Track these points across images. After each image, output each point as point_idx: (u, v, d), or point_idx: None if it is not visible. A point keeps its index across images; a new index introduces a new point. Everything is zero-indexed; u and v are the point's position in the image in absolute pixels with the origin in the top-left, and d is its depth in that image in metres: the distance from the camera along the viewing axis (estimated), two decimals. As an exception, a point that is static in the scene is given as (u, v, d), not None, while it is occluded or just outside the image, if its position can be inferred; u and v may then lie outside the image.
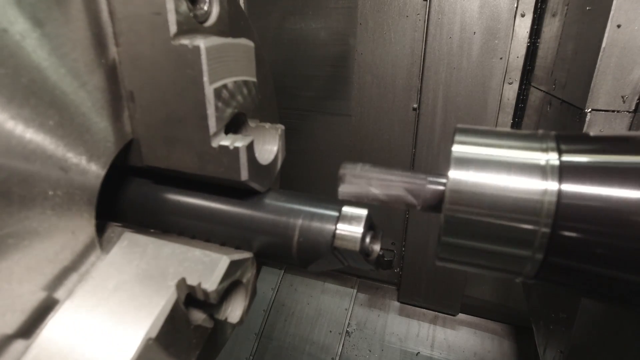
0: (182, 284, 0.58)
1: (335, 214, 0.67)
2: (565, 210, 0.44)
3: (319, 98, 2.68)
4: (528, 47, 2.07)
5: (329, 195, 0.73)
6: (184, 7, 0.58)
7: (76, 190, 0.59)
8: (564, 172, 0.45)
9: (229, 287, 0.64)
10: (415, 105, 2.31)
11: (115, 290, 0.57)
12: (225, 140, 0.62)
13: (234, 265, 0.63)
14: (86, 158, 0.60)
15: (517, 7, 1.96)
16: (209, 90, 0.59)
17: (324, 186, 2.75)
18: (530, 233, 0.46)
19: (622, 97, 1.05)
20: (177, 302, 0.56)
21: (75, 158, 0.58)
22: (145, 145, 0.67)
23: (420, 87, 2.24)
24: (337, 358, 2.66)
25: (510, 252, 0.48)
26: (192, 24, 0.61)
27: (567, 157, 0.46)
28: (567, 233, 0.44)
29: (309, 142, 2.68)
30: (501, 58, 2.02)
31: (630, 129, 1.06)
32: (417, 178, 0.57)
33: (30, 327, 0.53)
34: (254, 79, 0.73)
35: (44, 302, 0.55)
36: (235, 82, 0.67)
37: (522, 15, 2.02)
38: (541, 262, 0.47)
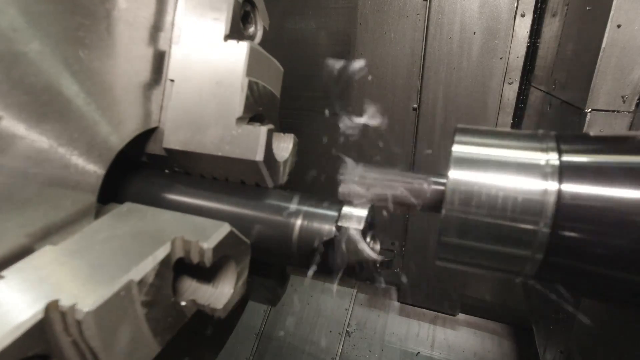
0: (178, 240, 0.56)
1: (335, 213, 0.67)
2: (565, 210, 0.44)
3: (319, 98, 2.67)
4: (528, 47, 2.07)
5: (329, 195, 0.73)
6: (237, 19, 0.78)
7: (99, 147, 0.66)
8: (564, 172, 0.45)
9: (221, 265, 0.62)
10: (415, 105, 2.30)
11: (105, 242, 0.56)
12: (249, 124, 0.72)
13: (233, 237, 0.62)
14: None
15: (517, 7, 1.96)
16: (244, 80, 0.72)
17: (324, 186, 2.74)
18: (530, 233, 0.46)
19: (622, 97, 1.05)
20: (168, 256, 0.54)
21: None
22: (170, 129, 0.77)
23: (420, 87, 2.24)
24: (337, 358, 2.66)
25: (510, 252, 0.48)
26: (240, 33, 0.78)
27: (567, 157, 0.46)
28: (567, 233, 0.44)
29: (309, 142, 2.67)
30: (501, 58, 2.02)
31: (630, 129, 1.06)
32: (417, 178, 0.57)
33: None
34: (278, 95, 0.85)
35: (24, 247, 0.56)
36: (264, 86, 0.79)
37: (522, 15, 2.02)
38: (541, 262, 0.47)
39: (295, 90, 2.68)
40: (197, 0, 0.77)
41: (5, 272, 0.52)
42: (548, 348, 1.34)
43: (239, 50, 0.74)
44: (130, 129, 0.73)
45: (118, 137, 0.70)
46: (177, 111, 0.77)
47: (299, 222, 0.68)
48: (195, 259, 0.57)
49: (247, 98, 0.73)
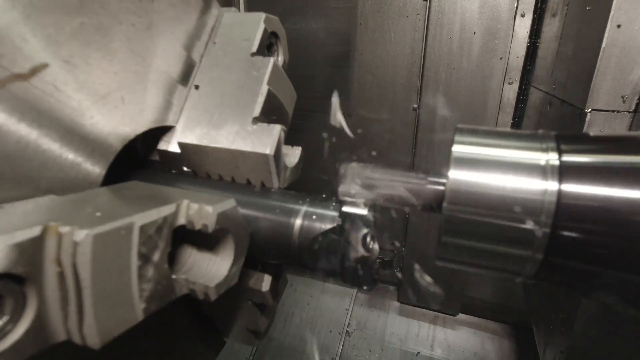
0: (184, 203, 0.56)
1: (335, 214, 0.67)
2: (565, 210, 0.44)
3: (319, 98, 2.67)
4: (528, 47, 2.07)
5: (329, 196, 0.73)
6: (264, 44, 0.90)
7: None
8: (564, 172, 0.45)
9: (219, 243, 0.62)
10: (415, 105, 2.30)
11: (110, 198, 0.57)
12: (263, 123, 0.80)
13: (237, 213, 0.62)
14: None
15: (517, 7, 1.96)
16: (264, 87, 0.83)
17: (324, 186, 2.73)
18: (530, 233, 0.46)
19: (622, 97, 1.05)
20: (173, 216, 0.54)
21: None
22: (187, 125, 0.84)
23: (420, 87, 2.24)
24: (337, 358, 2.66)
25: (510, 252, 0.48)
26: (264, 54, 0.90)
27: (567, 157, 0.46)
28: (567, 233, 0.44)
29: (309, 142, 2.67)
30: (501, 58, 2.02)
31: (630, 129, 1.06)
32: (417, 178, 0.57)
33: None
34: (289, 115, 0.95)
35: None
36: (280, 101, 0.88)
37: (522, 15, 2.02)
38: (541, 262, 0.47)
39: (296, 90, 2.68)
40: (232, 24, 0.92)
41: (4, 205, 0.52)
42: (548, 348, 1.34)
43: (264, 63, 0.85)
44: (148, 119, 0.79)
45: (136, 124, 0.77)
46: (197, 111, 0.85)
47: (299, 221, 0.68)
48: (198, 223, 0.56)
49: (265, 103, 0.82)
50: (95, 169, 0.69)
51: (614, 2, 0.99)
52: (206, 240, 0.63)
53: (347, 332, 2.76)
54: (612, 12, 1.00)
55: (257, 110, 0.80)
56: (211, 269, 0.62)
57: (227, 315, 0.99)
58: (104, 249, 0.46)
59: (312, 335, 2.77)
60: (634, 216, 0.41)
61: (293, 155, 0.89)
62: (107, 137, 0.71)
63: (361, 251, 0.65)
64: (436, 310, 2.74)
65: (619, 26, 1.01)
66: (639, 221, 0.41)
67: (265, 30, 0.90)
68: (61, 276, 0.45)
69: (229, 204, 0.60)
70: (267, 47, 0.93)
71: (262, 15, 0.91)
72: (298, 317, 2.87)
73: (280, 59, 0.98)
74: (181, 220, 0.56)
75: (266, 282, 0.85)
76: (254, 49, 0.87)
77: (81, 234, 0.44)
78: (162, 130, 0.86)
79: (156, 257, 0.53)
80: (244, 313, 0.94)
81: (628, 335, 1.08)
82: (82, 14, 0.66)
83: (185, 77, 0.87)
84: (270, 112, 0.84)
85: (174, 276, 0.57)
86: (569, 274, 0.47)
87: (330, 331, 2.77)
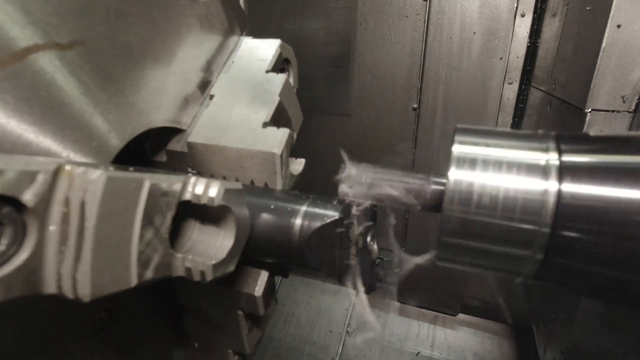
0: (192, 179, 0.57)
1: (335, 213, 0.67)
2: (566, 211, 0.44)
3: (319, 98, 2.67)
4: (528, 47, 2.07)
5: (329, 195, 0.73)
6: (278, 66, 1.00)
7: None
8: (564, 172, 0.45)
9: (220, 222, 0.63)
10: (415, 105, 2.31)
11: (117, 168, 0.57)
12: (273, 126, 0.85)
13: (241, 197, 0.64)
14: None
15: (517, 7, 1.96)
16: (276, 97, 0.90)
17: (324, 186, 2.73)
18: (530, 233, 0.46)
19: (622, 97, 1.05)
20: (180, 186, 0.55)
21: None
22: (198, 128, 0.89)
23: (420, 87, 2.24)
24: (337, 358, 2.66)
25: (510, 252, 0.48)
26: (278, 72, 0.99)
27: (567, 157, 0.46)
28: (567, 233, 0.44)
29: (309, 142, 2.68)
30: (501, 58, 2.02)
31: (630, 129, 1.06)
32: (417, 178, 0.57)
33: None
34: (295, 133, 1.01)
35: None
36: (289, 116, 0.96)
37: (522, 15, 2.02)
38: (541, 262, 0.47)
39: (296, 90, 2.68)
40: (250, 47, 1.02)
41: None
42: (548, 348, 1.34)
43: (277, 78, 0.93)
44: (164, 117, 0.82)
45: (152, 119, 0.80)
46: (209, 117, 0.90)
47: (299, 220, 0.68)
48: (204, 197, 0.57)
49: (275, 111, 0.88)
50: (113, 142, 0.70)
51: (614, 2, 1.00)
52: (208, 223, 0.64)
53: (347, 332, 2.76)
54: (612, 12, 1.01)
55: (268, 116, 0.86)
56: (210, 251, 0.63)
57: (212, 332, 0.96)
58: (114, 196, 0.47)
59: (312, 335, 2.78)
60: (633, 216, 0.41)
61: (298, 163, 0.95)
62: (123, 124, 0.72)
63: (361, 246, 0.65)
64: (436, 310, 2.74)
65: (619, 26, 1.01)
66: (638, 221, 0.41)
67: (280, 54, 1.00)
68: (65, 217, 0.45)
69: (236, 185, 0.62)
70: (279, 70, 1.01)
71: (278, 41, 1.01)
72: (298, 317, 2.87)
73: (291, 82, 1.04)
74: (187, 195, 0.57)
75: (260, 284, 0.82)
76: (269, 67, 0.96)
77: (96, 173, 0.45)
78: (171, 133, 0.89)
79: (159, 222, 0.53)
80: (230, 328, 0.91)
81: (628, 335, 1.08)
82: (132, 5, 0.71)
83: (203, 87, 0.93)
84: (279, 121, 0.89)
85: (171, 251, 0.57)
86: (569, 274, 0.47)
87: (330, 331, 2.77)
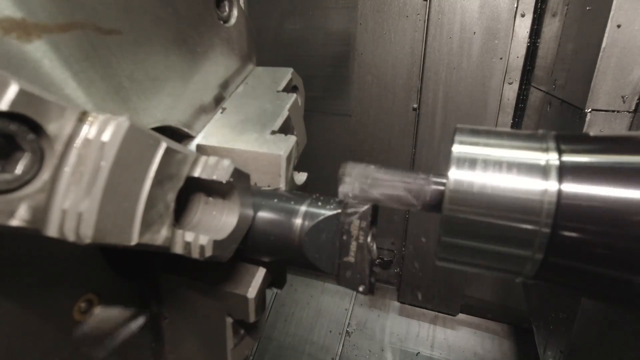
0: (204, 158, 0.59)
1: (337, 210, 0.67)
2: (566, 210, 0.44)
3: (319, 98, 2.67)
4: (528, 47, 2.07)
5: (329, 195, 0.73)
6: (288, 87, 1.09)
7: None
8: (564, 172, 0.45)
9: (224, 198, 0.64)
10: (415, 105, 2.31)
11: None
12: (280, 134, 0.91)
13: (248, 184, 0.66)
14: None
15: (517, 7, 1.96)
16: (285, 111, 0.97)
17: (324, 186, 2.73)
18: (530, 233, 0.46)
19: (622, 97, 1.05)
20: (193, 160, 0.57)
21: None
22: (207, 135, 0.94)
23: (420, 87, 2.24)
24: (337, 358, 2.66)
25: (510, 252, 0.48)
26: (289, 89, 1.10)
27: (567, 157, 0.46)
28: (567, 233, 0.44)
29: (309, 142, 2.68)
30: (501, 58, 2.02)
31: (630, 129, 1.06)
32: (417, 178, 0.57)
33: None
34: (298, 154, 1.01)
35: None
36: (295, 132, 0.99)
37: (522, 15, 2.02)
38: (541, 262, 0.47)
39: (295, 90, 2.68)
40: (263, 73, 1.12)
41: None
42: (548, 348, 1.34)
43: (288, 96, 1.02)
44: (177, 118, 0.87)
45: (167, 116, 0.84)
46: (219, 126, 0.95)
47: (299, 220, 0.68)
48: (214, 173, 0.59)
49: (284, 123, 0.94)
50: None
51: (614, 2, 1.00)
52: (214, 200, 0.65)
53: (347, 332, 2.76)
54: (612, 12, 1.01)
55: (277, 124, 0.93)
56: (212, 231, 0.64)
57: (191, 343, 0.88)
58: (132, 144, 0.48)
59: (312, 335, 2.78)
60: (633, 216, 0.41)
61: (301, 175, 0.99)
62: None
63: (361, 242, 0.65)
64: (436, 310, 2.74)
65: (619, 26, 1.01)
66: (638, 221, 0.41)
67: (291, 80, 1.09)
68: (82, 159, 0.46)
69: (244, 170, 0.64)
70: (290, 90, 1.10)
71: (291, 69, 1.11)
72: (298, 317, 2.88)
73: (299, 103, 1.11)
74: (198, 169, 0.59)
75: (254, 286, 0.76)
76: (280, 88, 1.05)
77: (119, 119, 0.47)
78: (180, 140, 0.92)
79: (167, 188, 0.55)
80: (214, 339, 0.84)
81: (628, 335, 1.08)
82: (169, 14, 0.80)
83: (217, 101, 1.00)
84: (290, 134, 0.93)
85: (175, 224, 0.58)
86: (569, 274, 0.47)
87: (330, 331, 2.77)
